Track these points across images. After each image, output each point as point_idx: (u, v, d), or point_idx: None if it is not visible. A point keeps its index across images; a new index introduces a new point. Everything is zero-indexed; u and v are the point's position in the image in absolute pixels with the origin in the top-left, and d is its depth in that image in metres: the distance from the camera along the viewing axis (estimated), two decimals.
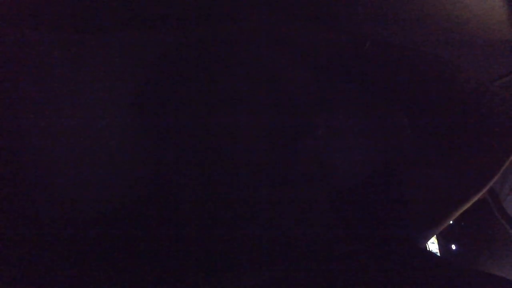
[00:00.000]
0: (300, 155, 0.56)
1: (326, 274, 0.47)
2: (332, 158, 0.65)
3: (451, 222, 0.85)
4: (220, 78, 0.59)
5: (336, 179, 0.65)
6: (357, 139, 0.72)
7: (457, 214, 0.67)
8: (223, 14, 0.62)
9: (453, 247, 0.84)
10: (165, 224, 0.61)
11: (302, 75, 0.59)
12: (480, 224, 0.86)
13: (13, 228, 0.57)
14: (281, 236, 0.54)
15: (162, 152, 0.65)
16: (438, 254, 0.91)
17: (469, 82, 0.64)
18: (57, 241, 0.58)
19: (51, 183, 0.62)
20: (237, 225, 0.57)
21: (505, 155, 0.64)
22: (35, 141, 0.62)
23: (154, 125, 0.67)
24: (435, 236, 0.81)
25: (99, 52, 0.65)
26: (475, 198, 0.66)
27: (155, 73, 0.67)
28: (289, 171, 0.56)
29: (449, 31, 0.69)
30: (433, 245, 1.02)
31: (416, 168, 0.67)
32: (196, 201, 0.61)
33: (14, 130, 0.59)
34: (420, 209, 0.63)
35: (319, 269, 0.49)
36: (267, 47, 0.59)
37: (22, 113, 0.60)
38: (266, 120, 0.55)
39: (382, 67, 0.63)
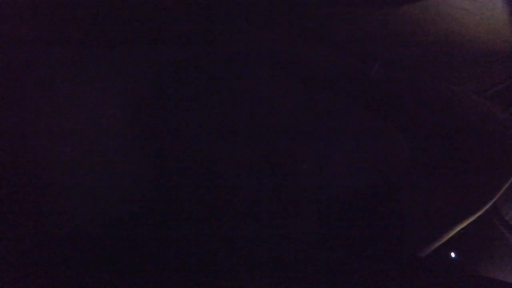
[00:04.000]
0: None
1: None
2: (327, 176, 0.66)
3: None
4: (215, 98, 0.60)
5: (330, 195, 0.65)
6: (354, 158, 0.73)
7: (455, 231, 0.68)
8: (220, 32, 0.63)
9: (452, 255, 0.85)
10: (166, 226, 0.62)
11: (299, 98, 0.59)
12: (478, 231, 0.86)
13: (13, 228, 0.58)
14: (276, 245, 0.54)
15: (161, 170, 0.66)
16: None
17: (466, 104, 0.65)
18: (57, 241, 0.59)
19: (52, 184, 0.63)
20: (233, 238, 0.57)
21: (504, 178, 0.65)
22: (38, 143, 0.62)
23: (153, 140, 0.68)
24: None
25: (103, 66, 0.66)
26: (474, 217, 0.67)
27: (155, 87, 0.68)
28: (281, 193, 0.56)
29: (447, 47, 0.71)
30: None
31: (415, 187, 0.68)
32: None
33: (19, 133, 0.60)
34: (418, 225, 0.64)
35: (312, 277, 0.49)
36: (264, 67, 0.59)
37: (29, 116, 0.61)
38: (261, 144, 0.55)
39: (387, 90, 0.63)
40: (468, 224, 0.86)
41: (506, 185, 0.66)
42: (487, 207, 0.67)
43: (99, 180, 0.67)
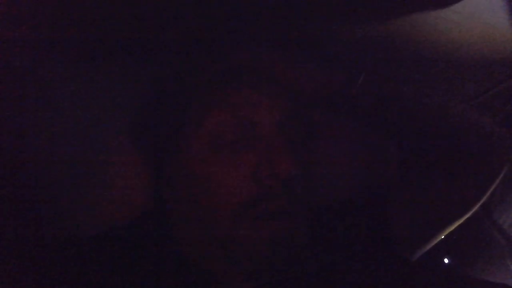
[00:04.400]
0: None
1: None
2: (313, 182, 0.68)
3: (442, 236, 0.87)
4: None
5: (320, 201, 0.67)
6: (343, 165, 0.75)
7: (444, 233, 0.69)
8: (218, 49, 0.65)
9: (446, 260, 0.86)
10: (166, 228, 0.63)
11: (286, 108, 0.61)
12: (472, 237, 0.87)
13: (13, 229, 0.58)
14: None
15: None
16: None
17: (451, 112, 0.67)
18: (57, 242, 0.60)
19: (52, 185, 0.64)
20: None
21: (490, 181, 0.67)
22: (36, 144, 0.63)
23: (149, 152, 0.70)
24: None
25: (99, 79, 0.68)
26: (462, 219, 0.69)
27: (150, 100, 0.70)
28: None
29: (433, 59, 0.73)
30: None
31: (402, 191, 0.69)
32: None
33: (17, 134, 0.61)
34: (406, 228, 0.65)
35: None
36: (252, 82, 0.61)
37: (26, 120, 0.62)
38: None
39: (373, 101, 0.65)
40: (462, 230, 0.87)
41: (492, 189, 0.67)
42: (474, 209, 0.69)
43: (99, 181, 0.68)
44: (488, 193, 0.67)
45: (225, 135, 0.55)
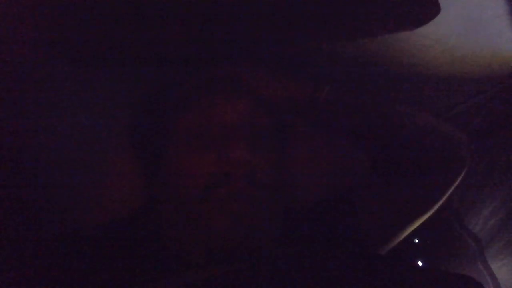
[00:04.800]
0: None
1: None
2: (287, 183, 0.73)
3: (416, 240, 0.92)
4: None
5: (288, 198, 0.72)
6: (313, 166, 0.81)
7: (409, 230, 0.76)
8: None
9: (420, 263, 0.92)
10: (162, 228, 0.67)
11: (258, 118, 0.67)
12: (443, 240, 0.93)
13: (13, 228, 0.61)
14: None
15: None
16: None
17: (417, 123, 0.73)
18: (57, 241, 0.63)
19: (52, 183, 0.68)
20: None
21: (450, 182, 0.74)
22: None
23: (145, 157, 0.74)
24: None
25: (98, 80, 0.72)
26: (424, 217, 0.76)
27: (145, 106, 0.74)
28: None
29: (404, 73, 0.79)
30: None
31: (370, 190, 0.76)
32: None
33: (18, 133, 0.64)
34: (374, 225, 0.71)
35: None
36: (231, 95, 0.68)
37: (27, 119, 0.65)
38: None
39: (340, 111, 0.71)
40: (434, 234, 0.93)
41: (452, 187, 0.74)
42: (436, 207, 0.76)
43: (95, 179, 0.72)
44: (448, 193, 0.75)
45: (198, 133, 0.64)
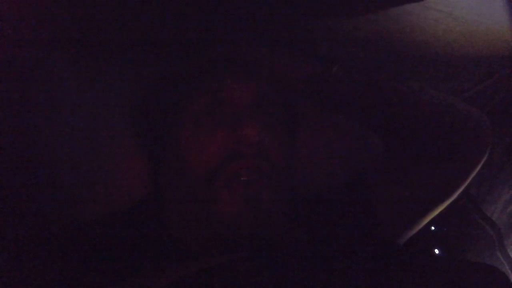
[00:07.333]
0: None
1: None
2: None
3: (433, 228, 0.88)
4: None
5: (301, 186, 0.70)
6: (325, 155, 0.77)
7: (428, 218, 0.71)
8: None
9: (436, 251, 0.88)
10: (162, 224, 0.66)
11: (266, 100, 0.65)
12: (461, 228, 0.89)
13: (14, 228, 0.60)
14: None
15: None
16: None
17: (433, 102, 0.68)
18: (58, 241, 0.62)
19: (54, 182, 0.66)
20: None
21: (470, 167, 0.68)
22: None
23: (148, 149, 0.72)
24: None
25: (102, 72, 0.71)
26: (444, 205, 0.70)
27: (152, 94, 0.72)
28: None
29: (413, 51, 0.75)
30: None
31: (386, 177, 0.71)
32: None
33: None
34: (390, 214, 0.67)
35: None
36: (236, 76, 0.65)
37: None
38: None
39: (350, 91, 0.67)
40: (451, 222, 0.89)
41: (476, 170, 0.69)
42: (456, 194, 0.70)
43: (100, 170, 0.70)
44: (471, 176, 0.69)
45: (206, 114, 0.63)
